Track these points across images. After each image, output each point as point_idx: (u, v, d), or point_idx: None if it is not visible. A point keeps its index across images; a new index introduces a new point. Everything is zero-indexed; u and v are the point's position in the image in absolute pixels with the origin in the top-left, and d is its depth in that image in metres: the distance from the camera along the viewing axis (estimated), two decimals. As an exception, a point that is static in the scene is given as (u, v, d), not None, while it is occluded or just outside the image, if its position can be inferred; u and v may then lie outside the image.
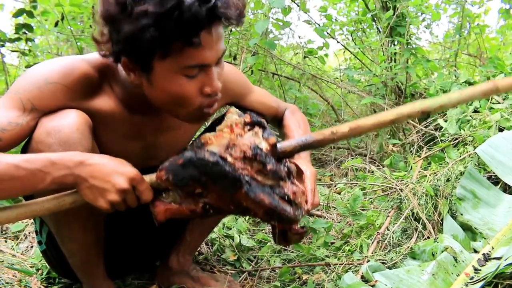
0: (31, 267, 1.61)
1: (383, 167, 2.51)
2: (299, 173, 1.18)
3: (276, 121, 1.53)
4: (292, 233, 1.06)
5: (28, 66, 3.48)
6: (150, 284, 1.56)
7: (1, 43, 3.26)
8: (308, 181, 1.19)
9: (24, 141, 1.10)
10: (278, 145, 1.04)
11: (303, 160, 1.25)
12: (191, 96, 1.07)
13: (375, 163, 2.94)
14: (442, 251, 1.36)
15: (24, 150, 1.11)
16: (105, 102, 1.16)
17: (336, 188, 2.21)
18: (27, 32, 3.16)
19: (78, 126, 1.07)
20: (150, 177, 1.06)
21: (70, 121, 1.06)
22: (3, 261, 1.60)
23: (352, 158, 3.14)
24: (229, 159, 0.98)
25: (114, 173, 1.01)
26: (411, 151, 2.52)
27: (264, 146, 1.01)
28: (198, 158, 0.97)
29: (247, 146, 0.99)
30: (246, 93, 1.43)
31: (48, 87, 1.08)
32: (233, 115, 1.08)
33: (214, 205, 1.02)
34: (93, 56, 1.16)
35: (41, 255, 1.48)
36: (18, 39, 3.23)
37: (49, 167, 0.98)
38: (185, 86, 1.05)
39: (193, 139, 1.47)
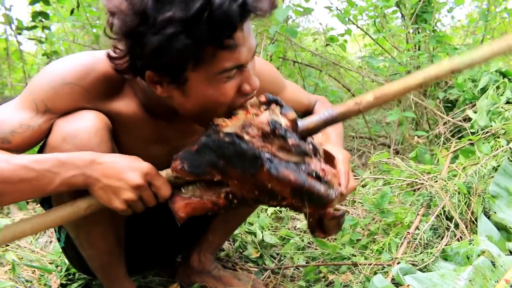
0: (50, 263, 1.58)
1: (408, 159, 2.42)
2: (330, 158, 1.07)
3: (307, 115, 1.47)
4: (328, 218, 0.96)
5: (44, 54, 3.45)
6: (171, 282, 1.53)
7: (18, 31, 3.24)
8: (341, 165, 1.09)
9: (39, 144, 1.04)
10: (299, 123, 0.95)
11: (333, 145, 1.17)
12: (229, 98, 0.98)
13: (398, 154, 2.86)
14: (479, 255, 1.29)
15: None
16: (125, 104, 1.08)
17: (362, 182, 2.14)
18: (43, 19, 3.12)
19: (97, 130, 1.00)
20: (166, 171, 0.99)
21: (88, 125, 0.99)
22: (22, 258, 1.58)
23: (375, 149, 3.07)
24: (246, 137, 0.89)
25: (127, 169, 0.95)
26: (437, 144, 2.43)
27: (284, 122, 0.92)
28: (213, 141, 0.90)
29: (264, 122, 0.91)
30: (279, 90, 1.35)
31: (64, 88, 1.00)
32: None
33: (238, 194, 0.94)
34: None
35: (60, 250, 1.45)
36: (35, 27, 3.21)
37: (58, 167, 0.92)
38: (224, 90, 0.96)
39: None
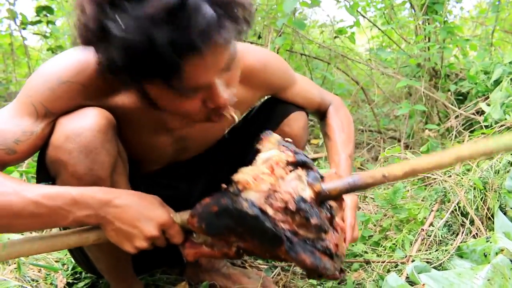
0: (56, 261, 1.55)
1: (419, 153, 2.37)
2: (339, 200, 1.06)
3: (319, 114, 1.43)
4: (329, 277, 0.96)
5: (49, 49, 3.42)
6: (180, 280, 1.50)
7: (23, 26, 3.22)
8: (349, 213, 1.09)
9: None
10: (323, 186, 0.94)
11: None
12: (195, 112, 0.94)
13: (408, 148, 2.81)
14: (497, 253, 1.25)
15: (41, 156, 1.00)
16: (126, 97, 1.04)
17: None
18: (48, 14, 3.10)
19: (100, 127, 0.96)
20: (181, 218, 0.98)
21: (91, 122, 0.95)
22: (28, 256, 1.55)
23: (384, 142, 3.02)
24: (270, 212, 0.88)
25: (143, 218, 0.93)
26: (449, 137, 2.37)
27: (308, 194, 0.91)
28: (235, 209, 0.88)
29: (289, 196, 0.89)
30: (288, 85, 1.31)
31: (62, 87, 0.96)
32: (271, 145, 0.97)
33: (249, 251, 0.94)
34: None
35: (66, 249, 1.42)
36: (39, 21, 3.18)
37: (71, 205, 0.88)
38: (184, 105, 0.91)
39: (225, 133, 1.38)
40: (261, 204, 0.88)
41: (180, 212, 0.99)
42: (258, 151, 0.98)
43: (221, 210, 0.89)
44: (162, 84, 0.84)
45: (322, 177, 0.95)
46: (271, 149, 0.97)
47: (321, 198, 0.93)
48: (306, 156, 0.96)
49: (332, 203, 0.97)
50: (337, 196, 0.96)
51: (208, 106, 0.93)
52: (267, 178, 0.91)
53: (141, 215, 0.92)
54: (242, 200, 0.88)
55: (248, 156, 1.34)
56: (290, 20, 2.60)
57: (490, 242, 1.31)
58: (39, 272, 1.47)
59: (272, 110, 1.32)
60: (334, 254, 0.91)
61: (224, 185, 0.93)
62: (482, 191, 1.53)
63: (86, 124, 0.95)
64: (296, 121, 1.30)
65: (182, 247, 0.99)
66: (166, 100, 0.91)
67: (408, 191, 1.97)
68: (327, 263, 0.90)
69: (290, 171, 0.94)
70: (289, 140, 1.01)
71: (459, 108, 2.50)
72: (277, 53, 3.02)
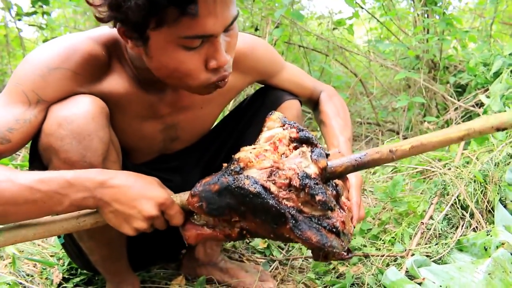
0: (51, 256, 1.53)
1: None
2: (344, 179, 1.05)
3: (311, 103, 1.41)
4: (336, 257, 0.94)
5: (45, 41, 3.38)
6: (176, 275, 1.48)
7: (18, 17, 3.17)
8: (354, 192, 1.07)
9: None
10: (328, 164, 0.91)
11: None
12: (195, 71, 0.94)
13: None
14: (498, 247, 1.23)
15: (34, 144, 0.99)
16: (116, 82, 1.04)
17: (372, 170, 2.07)
18: (43, 5, 3.06)
19: (94, 114, 0.95)
20: (181, 198, 0.95)
21: (84, 109, 0.94)
22: (22, 251, 1.53)
23: (383, 135, 3.01)
24: (273, 188, 0.85)
25: (141, 197, 0.90)
26: (449, 129, 2.35)
27: (313, 170, 0.87)
28: (236, 187, 0.85)
29: (294, 172, 0.86)
30: (277, 70, 1.31)
31: (52, 74, 0.95)
32: (276, 124, 0.94)
33: (252, 231, 0.90)
34: (98, 32, 1.04)
35: (61, 244, 1.40)
36: (35, 12, 3.14)
37: (66, 188, 0.86)
38: (185, 60, 0.92)
39: (216, 121, 1.37)
40: (263, 181, 0.85)
41: (180, 194, 0.96)
42: (261, 132, 0.96)
43: (222, 188, 0.86)
44: (171, 24, 0.85)
45: (327, 155, 0.93)
46: (274, 127, 0.95)
47: (326, 176, 0.90)
48: (310, 133, 0.93)
49: (338, 181, 0.95)
50: (343, 174, 0.93)
51: (208, 67, 0.94)
52: (269, 156, 0.89)
53: (139, 194, 0.90)
54: (243, 177, 0.85)
55: (241, 146, 1.34)
56: (288, 11, 2.57)
57: (491, 236, 1.29)
58: (34, 267, 1.45)
59: (265, 98, 1.32)
60: (341, 232, 0.88)
61: (225, 164, 0.92)
62: (482, 184, 1.51)
63: (79, 111, 0.94)
64: (289, 109, 1.29)
65: (182, 229, 0.95)
66: (168, 53, 0.91)
67: (407, 184, 1.95)
68: (334, 241, 0.87)
69: (294, 148, 0.91)
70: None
71: (458, 100, 2.48)
72: (275, 45, 2.99)
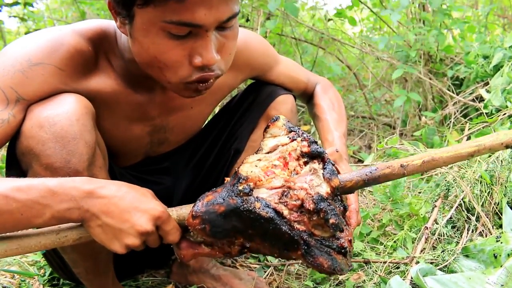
0: (31, 265, 1.44)
1: (416, 140, 2.27)
2: None
3: (306, 97, 1.36)
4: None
5: (28, 33, 3.25)
6: (166, 283, 1.40)
7: (-3, 7, 3.04)
8: (352, 198, 1.01)
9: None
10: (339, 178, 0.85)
11: (345, 166, 1.06)
12: (175, 63, 0.86)
13: (403, 135, 2.72)
14: (509, 254, 1.16)
15: (11, 148, 0.89)
16: (103, 80, 0.96)
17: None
18: (25, -5, 2.93)
19: (78, 115, 0.86)
20: (177, 213, 0.85)
21: (68, 110, 0.85)
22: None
23: (378, 129, 2.92)
24: (285, 212, 0.78)
25: (134, 210, 0.80)
26: (447, 125, 2.28)
27: (325, 189, 0.80)
28: (245, 210, 0.77)
29: (306, 193, 0.79)
30: (271, 65, 1.25)
31: (34, 70, 0.86)
32: (281, 131, 0.87)
33: (254, 249, 0.83)
34: (84, 25, 0.95)
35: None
36: (16, 3, 3.01)
37: (48, 198, 0.76)
38: (166, 48, 0.84)
39: (206, 121, 1.29)
40: (275, 205, 0.78)
41: (175, 208, 0.87)
42: (263, 137, 0.90)
43: (228, 211, 0.78)
44: (158, 4, 0.80)
45: (338, 172, 0.87)
46: (279, 135, 0.88)
47: (335, 192, 0.84)
48: (319, 145, 0.86)
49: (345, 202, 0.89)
50: (353, 189, 0.88)
51: (193, 63, 0.86)
52: (279, 173, 0.81)
53: (132, 207, 0.80)
54: (253, 200, 0.77)
55: (233, 145, 1.26)
56: (282, 3, 2.48)
57: (501, 242, 1.22)
58: (12, 278, 1.36)
59: (258, 94, 1.25)
60: (348, 251, 0.83)
61: (227, 179, 0.84)
62: (489, 185, 1.44)
63: (62, 112, 0.85)
64: (283, 104, 1.23)
65: (177, 247, 0.86)
66: (151, 36, 0.84)
67: (409, 184, 1.87)
68: (342, 264, 0.82)
69: (304, 163, 0.84)
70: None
71: (457, 94, 2.40)
72: (266, 37, 2.89)
